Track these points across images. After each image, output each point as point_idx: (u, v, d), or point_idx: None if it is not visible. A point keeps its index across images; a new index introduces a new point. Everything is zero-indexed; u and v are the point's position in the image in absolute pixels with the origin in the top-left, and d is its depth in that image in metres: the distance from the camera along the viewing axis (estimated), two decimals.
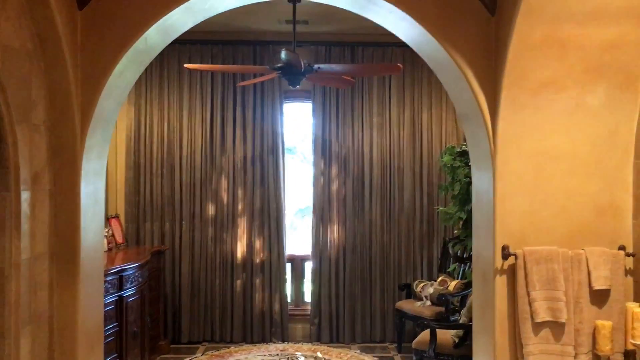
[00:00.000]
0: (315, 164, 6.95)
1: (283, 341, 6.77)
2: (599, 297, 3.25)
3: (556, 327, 3.21)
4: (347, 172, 6.89)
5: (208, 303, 6.80)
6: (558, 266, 3.21)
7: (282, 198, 6.91)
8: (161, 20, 3.30)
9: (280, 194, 6.89)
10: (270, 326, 6.83)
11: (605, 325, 3.17)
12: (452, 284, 6.01)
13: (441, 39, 3.31)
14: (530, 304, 3.19)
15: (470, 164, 3.83)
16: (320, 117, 6.91)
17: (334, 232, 6.89)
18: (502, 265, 3.28)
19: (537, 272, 3.20)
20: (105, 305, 4.18)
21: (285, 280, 6.91)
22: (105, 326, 4.09)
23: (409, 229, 6.85)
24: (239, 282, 6.80)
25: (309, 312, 7.01)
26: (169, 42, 3.66)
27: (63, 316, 3.26)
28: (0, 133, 2.82)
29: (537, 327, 3.20)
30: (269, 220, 6.85)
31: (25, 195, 2.95)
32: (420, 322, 4.98)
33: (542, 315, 3.18)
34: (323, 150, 6.92)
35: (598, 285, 3.22)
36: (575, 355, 3.21)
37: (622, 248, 3.28)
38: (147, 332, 5.65)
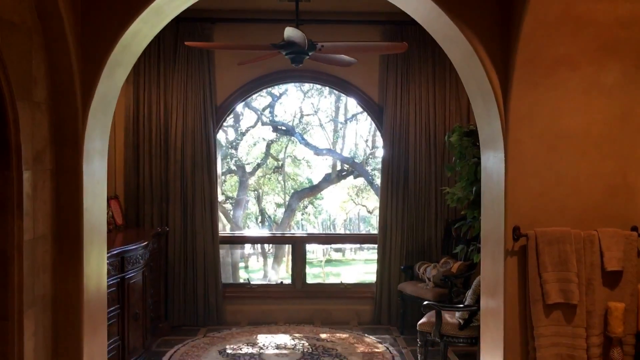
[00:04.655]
0: (385, 159, 6.93)
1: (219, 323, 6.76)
2: (612, 279, 3.21)
3: (568, 309, 3.17)
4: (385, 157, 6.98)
5: (204, 285, 6.74)
6: (570, 247, 3.17)
7: (215, 182, 6.84)
8: None
9: (214, 178, 6.82)
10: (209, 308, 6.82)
11: (617, 307, 3.14)
12: (455, 266, 5.98)
13: (452, 14, 3.23)
14: (541, 285, 3.15)
15: (478, 143, 3.77)
16: (392, 110, 6.81)
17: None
18: (513, 246, 3.23)
19: (549, 253, 3.16)
20: (108, 287, 4.12)
21: (218, 263, 6.86)
22: (107, 308, 4.03)
23: (413, 210, 6.80)
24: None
25: (311, 294, 7.04)
26: (174, 16, 3.56)
27: (66, 298, 3.22)
28: (1, 111, 2.74)
29: (549, 309, 3.16)
30: (202, 204, 6.78)
31: (26, 175, 2.88)
32: (428, 305, 4.94)
33: (554, 297, 3.13)
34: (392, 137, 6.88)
35: (611, 266, 3.17)
36: (587, 337, 3.17)
37: (635, 229, 3.23)
38: (148, 314, 5.61)
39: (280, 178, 14.59)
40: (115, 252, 4.72)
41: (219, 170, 6.79)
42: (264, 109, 12.77)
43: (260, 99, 12.57)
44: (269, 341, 6.12)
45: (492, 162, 3.42)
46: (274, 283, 7.60)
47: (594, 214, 3.24)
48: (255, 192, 14.49)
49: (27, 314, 2.88)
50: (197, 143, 6.73)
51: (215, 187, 6.85)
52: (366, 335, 6.40)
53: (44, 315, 3.09)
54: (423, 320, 5.06)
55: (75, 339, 3.24)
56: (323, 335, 6.35)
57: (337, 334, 6.39)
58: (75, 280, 3.23)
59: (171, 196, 6.71)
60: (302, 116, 13.20)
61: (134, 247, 5.13)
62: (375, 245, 7.02)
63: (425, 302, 5.10)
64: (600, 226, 3.23)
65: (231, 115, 11.49)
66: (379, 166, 12.79)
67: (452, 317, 4.90)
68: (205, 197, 6.75)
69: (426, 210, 6.78)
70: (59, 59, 3.11)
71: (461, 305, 4.87)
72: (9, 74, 2.71)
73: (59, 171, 3.21)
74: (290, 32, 4.48)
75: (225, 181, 13.73)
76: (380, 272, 6.88)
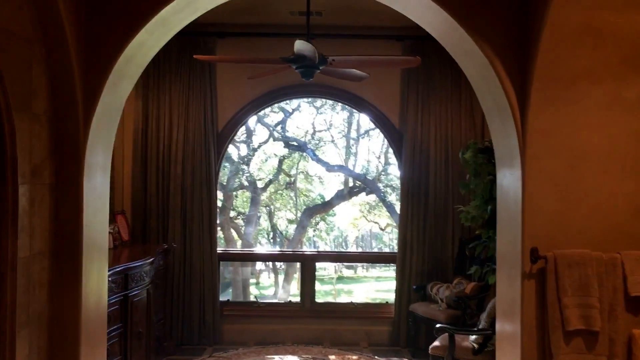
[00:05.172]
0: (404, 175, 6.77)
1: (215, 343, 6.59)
2: (636, 305, 3.04)
3: (589, 336, 3.00)
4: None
5: (209, 303, 6.60)
6: (591, 271, 3.00)
7: (214, 199, 6.71)
8: (173, 4, 3.11)
9: (213, 195, 6.68)
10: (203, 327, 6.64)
11: None
12: (469, 287, 5.80)
13: (468, 27, 3.12)
14: (561, 311, 2.99)
15: (494, 161, 3.62)
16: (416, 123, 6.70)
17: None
18: (531, 269, 3.07)
19: (569, 276, 3.00)
20: (110, 305, 4.01)
21: (217, 281, 6.74)
22: (109, 327, 3.91)
23: (425, 229, 6.62)
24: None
25: (320, 314, 6.86)
26: (180, 28, 3.48)
27: (64, 317, 3.11)
28: None
29: (569, 335, 2.99)
30: (200, 220, 6.64)
31: (23, 190, 2.78)
32: (441, 328, 4.76)
33: (575, 323, 2.97)
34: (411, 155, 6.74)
35: (635, 291, 3.01)
36: None
37: None
38: (152, 333, 5.47)
39: (292, 194, 14.48)
40: (118, 269, 4.60)
41: (221, 184, 6.62)
42: (276, 125, 12.70)
43: (272, 115, 12.51)
44: None
45: (509, 179, 3.27)
46: (282, 302, 7.41)
47: (616, 236, 3.08)
48: (267, 208, 14.38)
49: (20, 334, 2.76)
50: (197, 159, 6.62)
51: (215, 204, 6.72)
52: (376, 357, 6.22)
53: (39, 335, 2.97)
54: (436, 343, 4.88)
55: (72, 359, 3.11)
56: (332, 357, 6.16)
57: (347, 356, 6.21)
58: (73, 299, 3.11)
59: (172, 212, 6.59)
60: (314, 132, 13.12)
61: (138, 263, 5.01)
62: (388, 263, 6.84)
63: (438, 325, 4.91)
64: (623, 248, 3.07)
65: (244, 131, 11.42)
66: (392, 183, 12.73)
67: (466, 341, 4.72)
68: (204, 213, 6.61)
69: (442, 229, 6.61)
70: (61, 70, 3.02)
71: (475, 329, 4.68)
72: (6, 85, 2.63)
73: (59, 185, 3.11)
74: (300, 45, 4.38)
75: (236, 197, 13.64)
76: (399, 292, 6.70)
